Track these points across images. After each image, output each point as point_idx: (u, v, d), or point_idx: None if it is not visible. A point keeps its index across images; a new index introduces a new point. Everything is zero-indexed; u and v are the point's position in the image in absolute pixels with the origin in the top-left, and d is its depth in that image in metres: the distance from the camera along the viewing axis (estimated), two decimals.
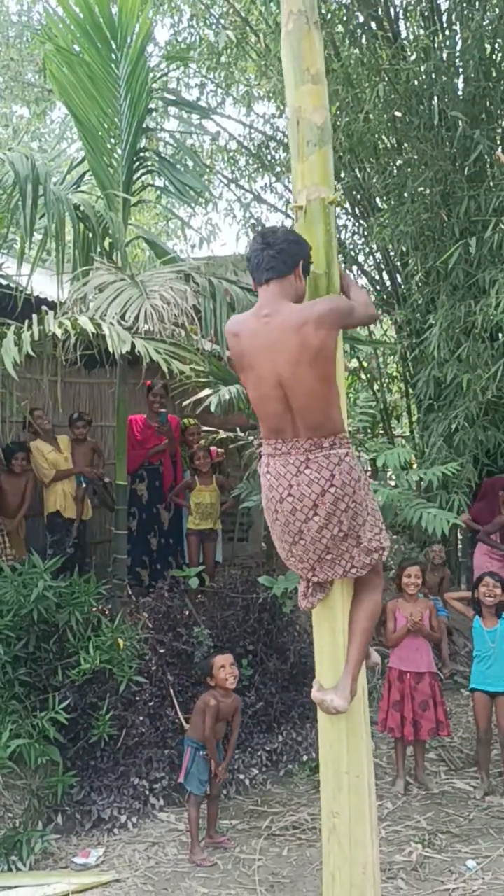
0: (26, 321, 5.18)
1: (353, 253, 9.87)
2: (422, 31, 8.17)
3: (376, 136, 8.51)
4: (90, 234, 6.05)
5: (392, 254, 9.34)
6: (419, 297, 8.54)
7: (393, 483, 6.67)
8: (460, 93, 7.90)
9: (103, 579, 5.83)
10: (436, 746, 5.96)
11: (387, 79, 7.70)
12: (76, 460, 7.20)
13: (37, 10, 13.00)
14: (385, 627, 5.67)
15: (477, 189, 7.35)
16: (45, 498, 7.01)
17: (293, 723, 5.73)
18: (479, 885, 4.19)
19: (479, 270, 7.25)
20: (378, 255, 9.72)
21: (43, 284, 7.04)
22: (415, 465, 8.00)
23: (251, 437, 6.60)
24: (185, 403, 6.88)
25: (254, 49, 10.35)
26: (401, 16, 8.85)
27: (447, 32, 8.06)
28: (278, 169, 10.76)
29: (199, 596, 6.53)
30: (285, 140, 10.41)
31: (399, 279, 9.34)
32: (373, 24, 8.51)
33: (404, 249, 8.49)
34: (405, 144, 8.27)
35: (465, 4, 7.80)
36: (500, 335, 7.80)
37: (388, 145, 8.84)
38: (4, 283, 6.18)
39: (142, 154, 6.48)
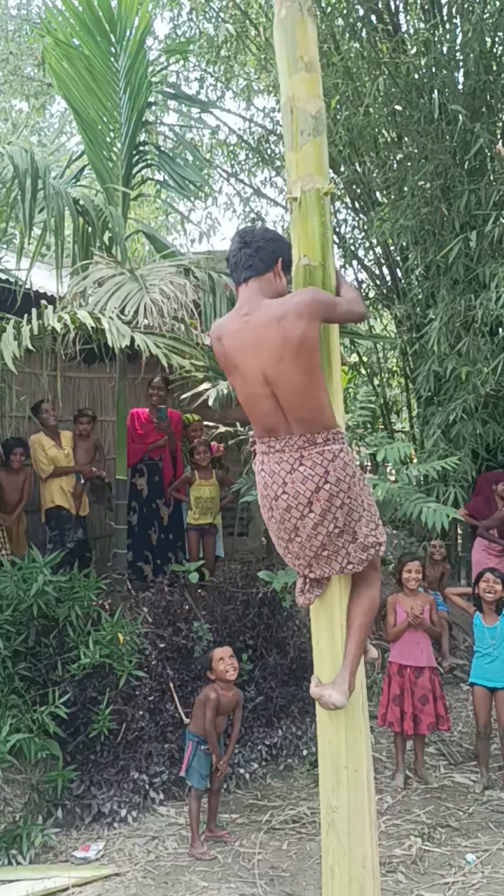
0: (25, 315, 5.17)
1: (353, 247, 9.86)
2: (422, 25, 8.14)
3: (376, 129, 8.49)
4: (90, 229, 6.04)
5: (392, 248, 9.33)
6: (419, 291, 8.54)
7: (393, 478, 6.67)
8: (461, 86, 7.88)
9: (103, 574, 5.84)
10: (435, 741, 5.96)
11: (387, 72, 7.68)
12: (78, 456, 7.20)
13: (36, 4, 13.03)
14: (385, 622, 5.68)
15: (477, 183, 7.34)
16: (42, 493, 7.01)
17: (293, 717, 5.73)
18: (479, 878, 4.20)
19: (479, 265, 7.24)
20: (378, 250, 9.71)
21: (42, 279, 7.04)
22: (415, 460, 8.00)
23: (250, 432, 6.59)
24: (182, 397, 6.86)
25: (253, 42, 10.32)
26: (401, 9, 8.84)
27: (447, 26, 8.04)
28: (278, 163, 10.74)
29: (199, 591, 6.53)
30: None
31: (399, 274, 9.33)
32: (373, 18, 8.49)
33: (404, 244, 8.48)
34: (405, 138, 8.25)
35: None
36: (501, 329, 7.79)
37: (389, 139, 8.83)
38: (4, 277, 6.18)
39: (141, 148, 6.47)
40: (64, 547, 6.55)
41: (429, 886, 4.14)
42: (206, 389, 6.31)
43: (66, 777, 4.82)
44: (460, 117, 7.25)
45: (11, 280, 6.07)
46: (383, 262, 9.81)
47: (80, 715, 5.00)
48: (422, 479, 6.26)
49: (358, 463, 2.99)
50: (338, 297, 2.89)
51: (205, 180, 8.28)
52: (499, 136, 7.99)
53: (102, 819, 4.84)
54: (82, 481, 7.21)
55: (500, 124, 8.16)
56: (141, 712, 5.12)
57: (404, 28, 8.78)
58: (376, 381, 10.42)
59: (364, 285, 10.32)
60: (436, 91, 7.68)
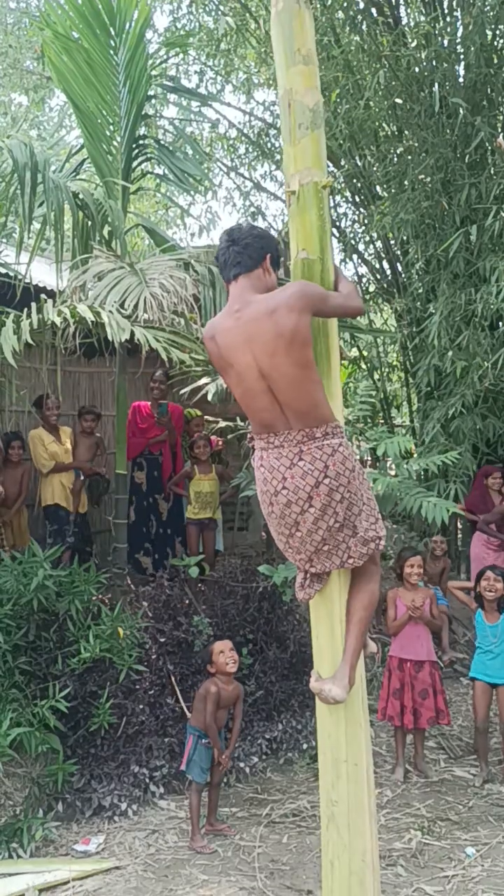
0: (25, 309, 5.16)
1: (353, 241, 9.84)
2: (422, 17, 8.12)
3: (377, 123, 8.47)
4: (89, 222, 6.03)
5: (392, 242, 9.31)
6: (419, 285, 8.52)
7: (393, 472, 6.67)
8: (461, 80, 7.85)
9: (103, 568, 5.84)
10: (435, 735, 5.97)
11: (387, 65, 7.66)
12: (79, 453, 7.19)
13: None
14: (385, 616, 5.68)
15: (478, 177, 7.32)
16: (41, 489, 6.99)
17: (293, 711, 5.74)
18: (479, 871, 4.21)
19: (479, 259, 7.23)
20: (378, 244, 9.69)
21: (42, 273, 7.02)
22: (415, 454, 8.01)
23: (250, 427, 6.59)
24: (182, 392, 6.86)
25: (253, 35, 10.29)
26: (401, 1, 8.79)
27: (448, 19, 8.01)
28: (278, 157, 10.72)
29: (199, 585, 6.54)
30: None
31: (399, 268, 9.31)
32: (373, 10, 8.46)
33: (405, 238, 8.46)
34: (406, 132, 8.23)
35: None
36: (501, 324, 7.78)
37: (389, 133, 8.80)
38: (3, 271, 6.16)
39: (141, 142, 6.45)
40: (64, 542, 6.55)
41: (428, 880, 4.15)
42: (206, 384, 6.30)
43: (67, 771, 4.83)
44: (461, 111, 7.23)
45: (11, 274, 6.06)
46: (383, 256, 9.79)
47: (80, 709, 5.01)
48: (422, 474, 6.25)
49: (357, 457, 2.98)
50: (331, 291, 2.89)
51: (205, 174, 8.26)
52: (499, 130, 7.97)
53: (103, 813, 4.85)
54: (82, 478, 7.21)
55: (501, 118, 8.14)
56: (141, 706, 5.13)
57: (405, 21, 8.75)
58: (376, 376, 10.42)
59: (364, 279, 10.31)
60: (436, 84, 7.65)
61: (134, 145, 6.29)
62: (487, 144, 7.45)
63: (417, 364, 8.04)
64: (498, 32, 7.82)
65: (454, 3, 7.94)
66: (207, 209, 15.91)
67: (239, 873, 4.28)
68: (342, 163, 8.85)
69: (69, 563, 5.71)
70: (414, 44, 7.75)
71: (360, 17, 8.43)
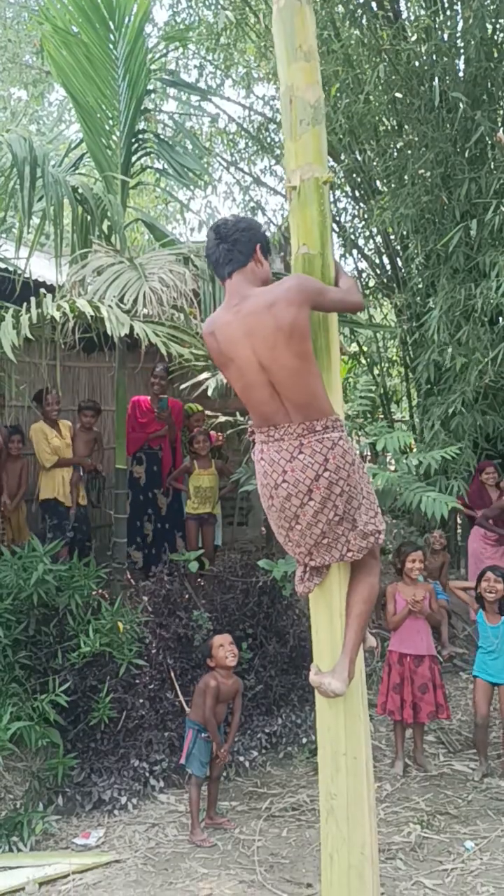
0: (24, 304, 5.16)
1: (352, 236, 9.82)
2: (422, 11, 8.09)
3: (376, 117, 8.45)
4: (88, 217, 6.03)
5: (392, 237, 9.30)
6: (419, 280, 8.51)
7: (392, 467, 6.67)
8: (461, 74, 7.83)
9: (102, 563, 5.84)
10: (434, 729, 5.98)
11: (387, 59, 7.64)
12: (77, 448, 7.18)
13: None
14: (385, 610, 5.69)
15: (478, 171, 7.30)
16: (41, 483, 6.97)
17: (292, 705, 5.75)
18: (478, 865, 4.22)
19: (479, 253, 7.22)
20: (378, 239, 9.68)
21: (41, 267, 7.02)
22: (414, 449, 8.01)
23: (249, 422, 6.60)
24: (182, 387, 6.86)
25: (253, 30, 10.26)
26: None
27: (448, 12, 7.99)
28: (277, 151, 10.70)
29: (199, 580, 6.54)
30: None
31: (399, 262, 9.30)
32: (373, 4, 8.43)
33: (404, 232, 8.45)
34: (406, 126, 8.21)
35: None
36: (501, 319, 7.78)
37: (389, 127, 8.78)
38: (3, 266, 6.16)
39: (140, 136, 6.44)
40: (63, 536, 6.55)
41: (427, 873, 4.16)
42: (206, 379, 6.30)
43: (67, 765, 4.84)
44: (461, 105, 7.22)
45: (10, 269, 6.06)
46: (383, 250, 9.78)
47: (80, 703, 5.02)
48: (423, 471, 6.25)
49: (357, 451, 2.99)
50: (329, 286, 2.90)
51: (204, 169, 8.26)
52: (499, 124, 7.95)
53: (103, 806, 4.87)
54: (81, 473, 7.21)
55: (501, 112, 8.12)
56: (141, 700, 5.14)
57: (405, 15, 8.73)
58: (376, 371, 10.41)
59: (364, 274, 10.30)
60: (436, 78, 7.64)
61: (133, 140, 6.28)
62: (487, 139, 7.44)
63: (417, 359, 8.03)
64: (498, 26, 7.80)
65: None
66: (207, 204, 15.92)
67: (238, 867, 4.29)
68: (342, 157, 8.84)
69: (68, 558, 5.72)
70: (414, 38, 7.73)
71: (359, 11, 8.41)
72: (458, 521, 9.30)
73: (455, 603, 7.53)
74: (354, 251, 9.95)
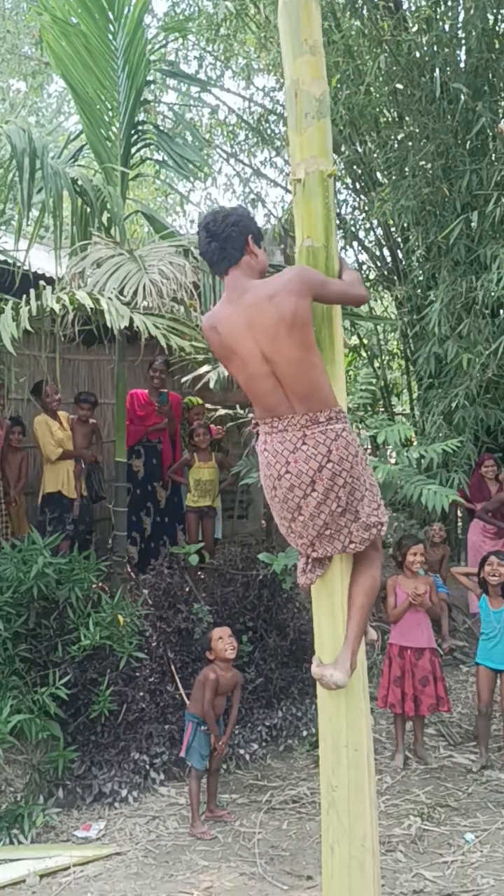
0: (24, 296, 5.14)
1: (353, 228, 9.79)
2: (424, 2, 8.05)
3: (377, 109, 8.41)
4: (88, 209, 6.00)
5: (393, 229, 9.27)
6: (420, 272, 8.49)
7: (393, 460, 6.66)
8: (462, 65, 7.79)
9: (102, 556, 5.84)
10: (435, 721, 5.99)
11: (388, 50, 7.60)
12: (76, 440, 7.17)
13: None
14: (385, 603, 5.69)
15: (479, 163, 7.27)
16: (46, 476, 6.93)
17: (293, 698, 5.75)
18: (478, 857, 4.23)
19: (480, 246, 7.19)
20: (379, 231, 9.64)
21: (41, 260, 6.99)
22: (414, 443, 8.00)
23: (250, 415, 6.58)
24: (184, 380, 6.84)
25: (253, 21, 10.20)
26: None
27: (449, 3, 7.93)
28: (278, 143, 10.65)
29: (199, 573, 6.54)
30: (285, 114, 10.27)
31: (400, 255, 9.27)
32: None
33: (405, 225, 8.42)
34: (406, 118, 8.17)
35: None
36: (502, 311, 7.76)
37: (390, 118, 8.75)
38: (2, 258, 6.14)
39: (140, 127, 6.42)
40: (64, 529, 6.55)
41: (428, 865, 4.17)
42: (207, 372, 6.28)
43: (67, 757, 4.85)
44: (462, 96, 7.18)
45: (10, 261, 6.03)
46: (384, 243, 9.75)
47: (80, 696, 5.02)
48: (424, 464, 6.24)
49: (359, 443, 2.98)
50: (332, 279, 2.90)
51: (204, 160, 8.21)
52: (501, 115, 7.91)
53: (103, 799, 4.87)
54: (83, 465, 7.20)
55: (503, 103, 8.08)
56: (141, 693, 5.14)
57: (406, 5, 8.66)
58: (377, 364, 10.39)
59: (365, 267, 10.26)
60: (437, 69, 7.59)
61: (133, 131, 6.25)
62: (488, 130, 7.40)
63: (418, 352, 8.01)
64: (499, 17, 7.75)
65: None
66: (207, 196, 15.81)
67: (239, 859, 4.30)
68: (342, 149, 8.79)
69: (69, 551, 5.71)
70: (415, 28, 7.68)
71: (360, 1, 8.36)
72: (459, 514, 9.29)
73: (455, 596, 7.54)
74: (355, 243, 9.91)
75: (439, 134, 7.39)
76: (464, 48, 7.78)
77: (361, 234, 10.01)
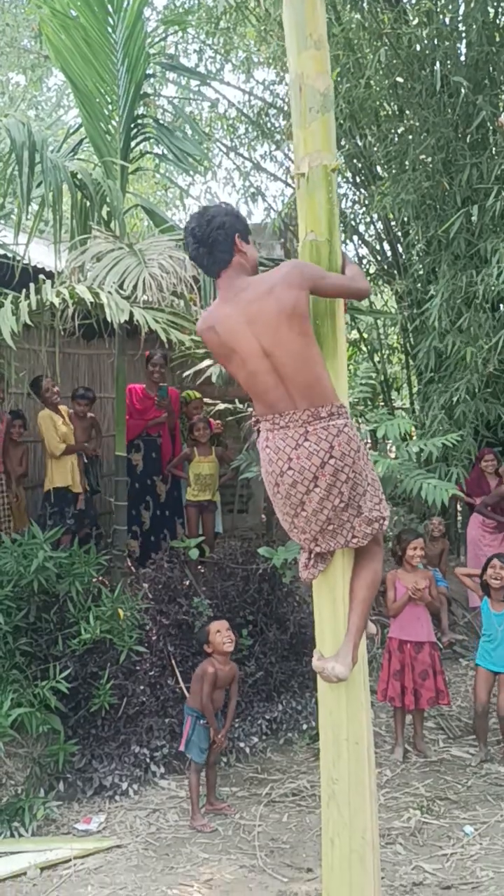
0: (24, 290, 5.14)
1: (353, 222, 9.77)
2: None
3: (377, 102, 8.40)
4: (88, 203, 5.99)
5: (393, 223, 9.25)
6: (420, 266, 8.48)
7: (393, 454, 6.66)
8: (463, 58, 7.77)
9: (102, 550, 5.84)
10: (434, 715, 6.00)
11: (388, 44, 7.58)
12: (76, 435, 7.16)
13: None
14: (385, 597, 5.69)
15: (479, 157, 7.26)
16: (50, 471, 6.88)
17: (293, 692, 5.77)
18: (477, 850, 4.24)
19: (480, 239, 7.18)
20: (379, 225, 9.63)
21: (40, 254, 6.98)
22: (414, 437, 8.00)
23: (250, 409, 6.58)
24: (185, 374, 6.83)
25: (253, 14, 10.17)
26: None
27: None
28: (278, 137, 10.63)
29: (199, 567, 6.54)
30: (285, 107, 10.27)
31: (400, 249, 9.26)
32: None
33: (405, 218, 8.40)
34: (407, 111, 8.16)
35: None
36: (502, 305, 7.75)
37: (390, 112, 8.73)
38: (2, 252, 6.13)
39: (140, 121, 6.39)
40: (65, 523, 6.54)
41: (427, 858, 4.18)
42: (209, 366, 6.28)
43: (68, 751, 4.86)
44: (462, 89, 7.16)
45: (10, 255, 6.02)
46: (384, 237, 9.74)
47: (80, 690, 5.03)
48: (424, 458, 6.24)
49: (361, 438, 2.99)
50: (330, 272, 2.90)
51: (204, 154, 8.22)
52: (501, 109, 7.90)
53: (104, 792, 4.89)
54: (84, 459, 7.18)
55: (503, 96, 8.06)
56: (141, 687, 5.15)
57: None
58: (377, 358, 10.39)
59: (365, 260, 10.26)
60: (438, 63, 7.58)
61: (132, 125, 6.23)
62: (489, 124, 7.38)
63: (418, 346, 8.01)
64: (500, 10, 7.73)
65: None
66: (207, 190, 15.80)
67: (239, 852, 4.31)
68: (342, 143, 8.78)
69: (69, 545, 5.71)
70: (415, 21, 7.67)
71: None
72: (458, 508, 9.30)
73: (455, 590, 7.55)
74: (355, 237, 9.91)
75: (439, 127, 7.38)
76: (464, 41, 7.76)
77: (361, 228, 10.01)
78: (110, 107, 6.09)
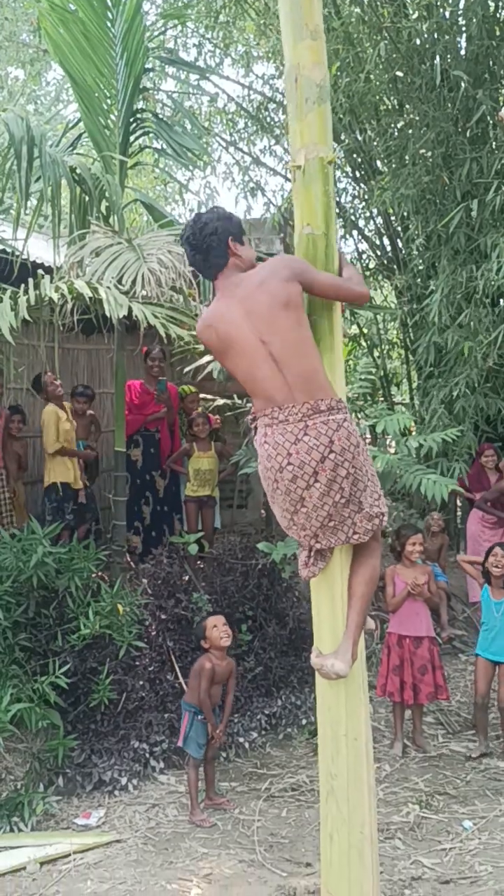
0: (22, 286, 5.13)
1: (353, 217, 9.75)
2: None
3: (377, 96, 8.36)
4: (87, 198, 5.97)
5: (393, 218, 9.23)
6: (420, 261, 8.46)
7: (392, 450, 6.66)
8: (463, 52, 7.74)
9: (102, 545, 5.84)
10: (433, 710, 6.01)
11: (388, 37, 7.54)
12: (77, 431, 7.14)
13: None
14: (384, 593, 5.70)
15: (479, 151, 7.23)
16: (52, 467, 6.85)
17: (292, 687, 5.77)
18: (476, 844, 4.25)
19: (480, 234, 7.16)
20: (378, 220, 9.61)
21: (39, 249, 6.96)
22: (414, 432, 7.99)
23: (248, 404, 6.58)
24: (186, 370, 6.83)
25: (252, 7, 10.12)
26: None
27: None
28: (277, 131, 10.60)
29: (199, 562, 6.54)
30: (285, 102, 10.22)
31: (400, 244, 9.23)
32: None
33: (405, 213, 8.38)
34: (406, 105, 8.13)
35: None
36: (502, 300, 7.73)
37: (390, 106, 8.70)
38: (0, 247, 6.12)
39: (139, 116, 6.38)
40: (64, 519, 6.54)
41: (426, 852, 4.19)
42: (209, 362, 6.27)
43: (67, 746, 4.86)
44: (462, 84, 7.14)
45: (8, 250, 6.01)
46: (384, 231, 9.71)
47: (80, 685, 5.04)
48: (424, 453, 6.24)
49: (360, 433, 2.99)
50: (321, 271, 2.93)
51: (203, 149, 8.17)
52: (501, 103, 7.86)
53: (103, 787, 4.89)
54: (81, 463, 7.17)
55: (503, 91, 8.03)
56: (141, 682, 5.16)
57: None
58: (376, 353, 10.37)
59: (364, 256, 10.24)
60: (438, 57, 7.54)
61: (131, 119, 6.21)
62: (489, 118, 7.36)
63: (418, 341, 7.99)
64: (500, 4, 7.69)
65: None
66: (206, 184, 15.77)
67: (238, 846, 4.32)
68: (342, 137, 8.75)
69: (68, 541, 5.71)
70: (415, 15, 7.63)
71: None
72: (458, 503, 9.29)
73: (454, 585, 7.55)
74: (355, 232, 9.88)
75: (439, 122, 7.35)
76: (464, 35, 7.72)
77: (361, 222, 9.98)
78: (109, 101, 6.07)
